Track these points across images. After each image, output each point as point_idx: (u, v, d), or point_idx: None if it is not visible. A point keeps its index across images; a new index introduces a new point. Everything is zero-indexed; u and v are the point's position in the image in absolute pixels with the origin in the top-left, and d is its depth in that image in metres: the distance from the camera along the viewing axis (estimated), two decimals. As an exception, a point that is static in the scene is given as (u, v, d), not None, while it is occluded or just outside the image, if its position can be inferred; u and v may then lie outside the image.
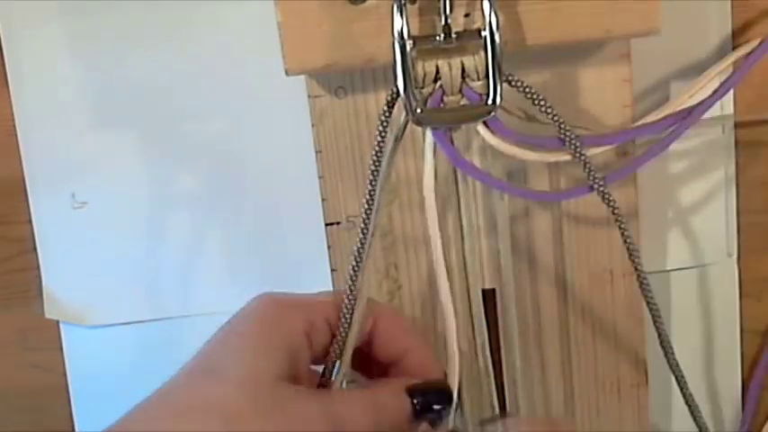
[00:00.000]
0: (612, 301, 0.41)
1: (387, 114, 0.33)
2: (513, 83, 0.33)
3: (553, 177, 0.40)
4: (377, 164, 0.34)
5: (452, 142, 0.35)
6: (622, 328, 0.42)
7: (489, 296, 0.41)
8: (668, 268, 0.44)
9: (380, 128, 0.33)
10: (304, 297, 0.34)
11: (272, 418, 0.29)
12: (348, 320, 0.34)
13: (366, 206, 0.34)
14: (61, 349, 0.46)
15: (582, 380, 0.42)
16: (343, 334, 0.34)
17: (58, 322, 0.46)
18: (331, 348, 0.34)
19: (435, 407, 0.34)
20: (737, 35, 0.41)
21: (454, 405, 0.36)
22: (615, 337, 0.42)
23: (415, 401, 0.33)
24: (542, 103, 0.33)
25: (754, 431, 0.47)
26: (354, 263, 0.35)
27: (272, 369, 0.31)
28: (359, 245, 0.34)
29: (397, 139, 0.35)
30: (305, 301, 0.34)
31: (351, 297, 0.34)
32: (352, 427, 0.31)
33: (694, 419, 0.40)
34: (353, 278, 0.34)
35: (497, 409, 0.42)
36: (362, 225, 0.34)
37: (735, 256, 0.44)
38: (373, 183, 0.34)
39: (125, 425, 0.29)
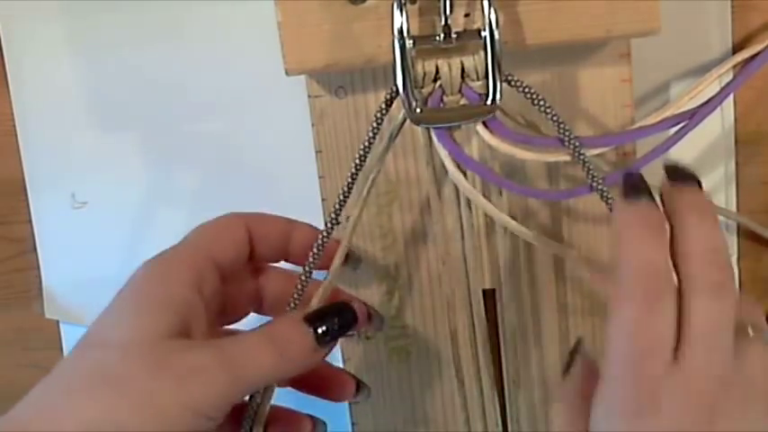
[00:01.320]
0: (612, 302, 0.41)
1: (383, 112, 0.33)
2: (513, 83, 0.33)
3: (552, 178, 0.40)
4: (363, 158, 0.34)
5: (454, 140, 0.35)
6: (622, 329, 0.41)
7: (489, 296, 0.41)
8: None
9: (374, 124, 0.33)
10: (186, 246, 0.33)
11: (160, 374, 0.29)
12: (297, 300, 0.35)
13: (341, 196, 0.34)
14: (61, 349, 0.46)
15: (582, 380, 0.42)
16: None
17: (57, 322, 0.46)
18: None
19: (339, 329, 0.33)
20: (738, 36, 0.41)
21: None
22: (615, 337, 0.42)
23: (315, 328, 0.32)
24: (542, 103, 0.33)
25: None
26: (316, 249, 0.35)
27: (154, 327, 0.30)
28: (324, 233, 0.35)
29: (392, 138, 0.35)
30: (187, 252, 0.33)
31: (304, 281, 0.34)
32: (253, 367, 0.30)
33: None
34: (311, 263, 0.35)
35: (498, 409, 0.42)
36: (333, 215, 0.34)
37: (735, 256, 0.44)
38: (354, 176, 0.34)
39: (19, 411, 0.29)
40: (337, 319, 0.33)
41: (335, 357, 0.41)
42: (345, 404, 0.42)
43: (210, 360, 0.29)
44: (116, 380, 0.28)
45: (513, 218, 0.39)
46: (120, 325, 0.30)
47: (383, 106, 0.33)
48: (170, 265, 0.32)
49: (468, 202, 0.38)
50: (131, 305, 0.31)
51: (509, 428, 0.42)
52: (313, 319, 0.33)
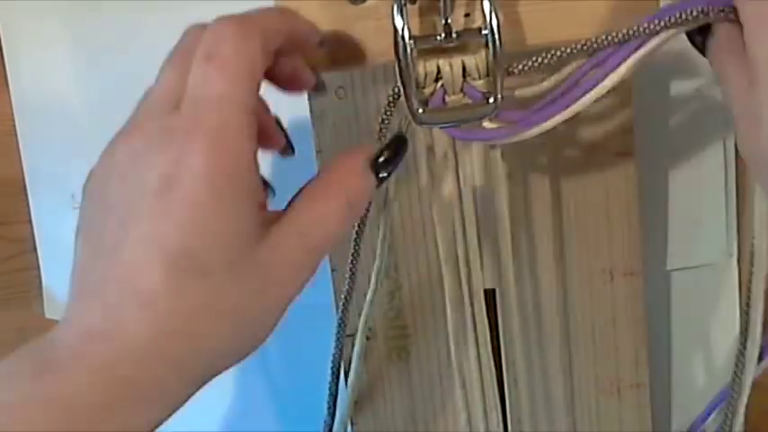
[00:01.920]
0: (612, 301, 0.41)
1: (387, 114, 0.33)
2: (517, 71, 0.32)
3: (553, 178, 0.40)
4: None
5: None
6: (622, 328, 0.42)
7: (490, 296, 0.41)
8: (668, 268, 0.44)
9: (381, 125, 0.33)
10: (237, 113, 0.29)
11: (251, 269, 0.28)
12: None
13: None
14: (61, 349, 0.46)
15: (582, 380, 0.42)
16: None
17: (57, 322, 0.46)
18: None
19: (391, 167, 0.32)
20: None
21: None
22: (615, 337, 0.42)
23: (379, 174, 0.31)
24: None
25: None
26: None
27: (241, 231, 0.28)
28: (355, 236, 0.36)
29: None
30: (242, 121, 0.29)
31: (350, 282, 0.36)
32: (329, 237, 0.29)
33: None
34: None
35: (499, 409, 0.42)
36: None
37: (735, 256, 0.44)
38: None
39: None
40: (397, 159, 0.32)
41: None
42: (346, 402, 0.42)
43: (294, 244, 0.29)
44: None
45: (514, 218, 0.39)
46: (210, 246, 0.27)
47: (387, 108, 0.33)
48: (232, 144, 0.28)
49: (469, 201, 0.38)
50: (213, 218, 0.27)
51: (510, 429, 0.42)
52: (379, 166, 0.31)
